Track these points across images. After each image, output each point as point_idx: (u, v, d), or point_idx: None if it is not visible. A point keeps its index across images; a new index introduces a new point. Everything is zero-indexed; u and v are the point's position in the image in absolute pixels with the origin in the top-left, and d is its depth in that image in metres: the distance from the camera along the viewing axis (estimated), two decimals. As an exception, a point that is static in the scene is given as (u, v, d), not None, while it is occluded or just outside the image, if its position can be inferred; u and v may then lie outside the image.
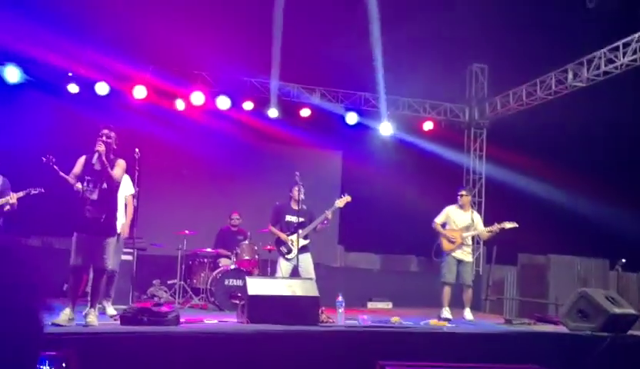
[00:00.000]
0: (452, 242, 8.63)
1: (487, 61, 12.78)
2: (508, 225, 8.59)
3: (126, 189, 7.66)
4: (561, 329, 7.45)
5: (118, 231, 7.08)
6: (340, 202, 8.52)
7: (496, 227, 8.66)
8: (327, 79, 11.92)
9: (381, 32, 10.42)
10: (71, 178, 6.17)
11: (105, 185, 6.15)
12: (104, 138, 6.16)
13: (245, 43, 10.18)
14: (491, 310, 12.28)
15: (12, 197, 7.00)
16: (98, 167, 6.14)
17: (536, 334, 7.23)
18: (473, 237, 9.21)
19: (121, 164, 6.35)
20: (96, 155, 6.06)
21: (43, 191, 7.13)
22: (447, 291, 8.56)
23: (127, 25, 9.82)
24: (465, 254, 8.74)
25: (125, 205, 7.67)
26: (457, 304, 8.79)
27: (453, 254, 8.62)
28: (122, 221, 7.44)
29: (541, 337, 7.13)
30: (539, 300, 12.84)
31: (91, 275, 6.54)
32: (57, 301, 7.30)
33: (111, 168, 6.18)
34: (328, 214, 8.37)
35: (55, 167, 6.05)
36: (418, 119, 12.51)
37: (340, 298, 7.07)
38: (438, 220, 8.82)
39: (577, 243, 12.60)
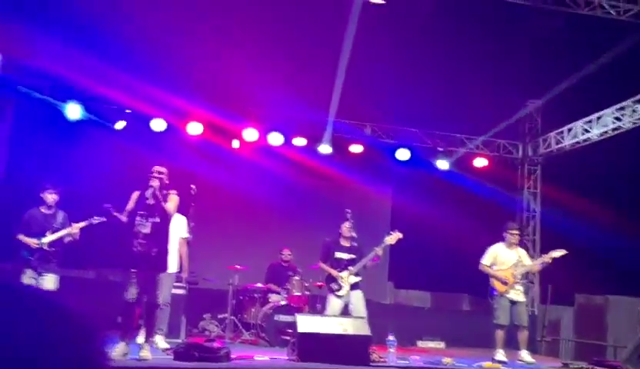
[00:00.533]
0: (505, 283, 8.40)
1: (541, 97, 12.61)
2: (557, 253, 8.32)
3: (180, 231, 7.85)
4: (622, 374, 7.18)
5: (173, 270, 7.31)
6: (390, 239, 8.34)
7: (546, 257, 8.44)
8: (378, 115, 11.94)
9: (433, 69, 10.46)
10: (124, 217, 6.34)
11: (157, 220, 6.28)
12: (156, 174, 6.32)
13: (299, 79, 10.30)
14: (546, 352, 11.93)
15: (74, 228, 7.18)
16: (151, 201, 6.28)
17: (595, 380, 6.98)
18: (526, 274, 8.99)
19: (174, 198, 6.48)
20: (150, 190, 6.21)
21: (105, 219, 7.28)
22: (500, 334, 8.33)
23: (183, 60, 10.11)
24: (518, 294, 8.50)
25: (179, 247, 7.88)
26: (510, 344, 8.56)
27: (507, 295, 8.41)
28: (175, 259, 7.56)
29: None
30: (597, 343, 12.42)
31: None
32: (111, 333, 7.45)
33: (165, 202, 6.31)
34: (379, 250, 8.20)
35: (115, 214, 6.25)
36: (471, 155, 12.38)
37: (391, 337, 6.99)
38: (486, 261, 8.57)
39: (637, 283, 12.17)
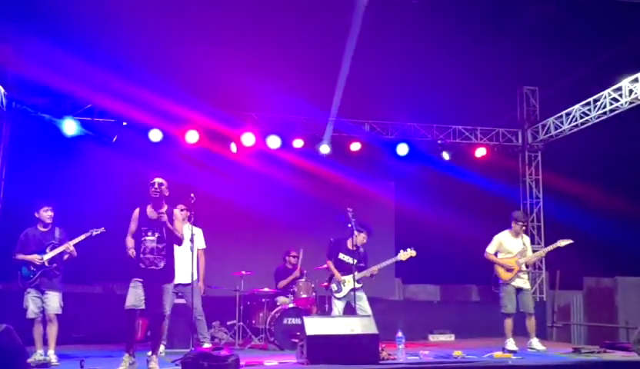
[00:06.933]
0: (510, 271, 8.40)
1: (537, 82, 12.56)
2: (563, 243, 8.35)
3: (199, 243, 8.19)
4: (633, 356, 7.16)
5: (188, 281, 7.40)
6: (403, 256, 8.51)
7: (550, 247, 8.52)
8: (375, 112, 11.89)
9: (427, 60, 10.42)
10: (130, 244, 6.29)
11: (159, 234, 6.27)
12: (155, 186, 6.29)
13: (297, 79, 10.27)
14: (558, 338, 11.90)
15: (70, 244, 7.20)
16: (153, 215, 6.26)
17: (607, 363, 6.94)
18: (533, 263, 8.97)
19: (178, 216, 6.47)
20: (151, 204, 6.20)
21: (105, 230, 7.31)
22: (509, 322, 8.32)
23: (178, 64, 10.08)
24: (524, 282, 8.52)
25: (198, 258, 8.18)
26: (520, 331, 8.53)
27: (512, 283, 8.40)
28: (187, 268, 7.59)
29: (612, 366, 6.84)
30: (608, 325, 12.38)
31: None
32: (118, 347, 7.44)
33: (171, 222, 6.28)
34: (375, 269, 8.36)
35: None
36: (471, 146, 12.31)
37: (400, 334, 6.98)
38: (491, 249, 8.60)
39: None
